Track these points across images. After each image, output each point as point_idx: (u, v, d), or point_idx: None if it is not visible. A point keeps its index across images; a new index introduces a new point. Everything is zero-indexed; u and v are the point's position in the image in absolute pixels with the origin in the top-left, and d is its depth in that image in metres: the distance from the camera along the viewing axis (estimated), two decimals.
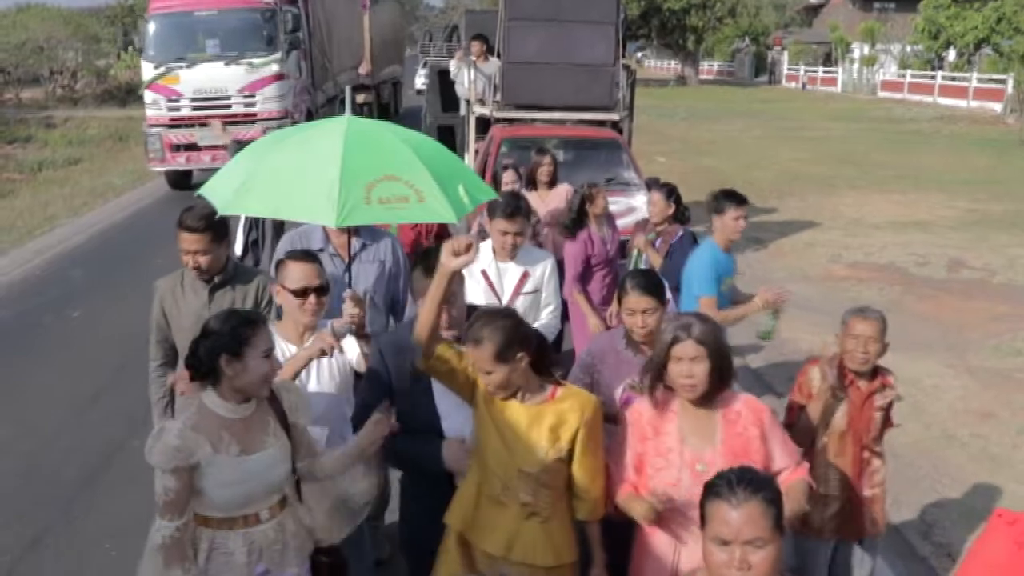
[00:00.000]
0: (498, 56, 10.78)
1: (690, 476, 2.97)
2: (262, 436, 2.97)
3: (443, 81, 13.85)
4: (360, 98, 21.59)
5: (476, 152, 10.40)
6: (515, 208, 4.55)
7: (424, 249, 3.61)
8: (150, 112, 15.50)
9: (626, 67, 10.95)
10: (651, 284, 3.66)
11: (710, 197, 5.27)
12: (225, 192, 3.37)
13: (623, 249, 6.66)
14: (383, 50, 24.60)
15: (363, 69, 22.37)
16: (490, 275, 4.65)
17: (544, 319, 4.80)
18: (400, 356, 3.33)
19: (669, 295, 4.58)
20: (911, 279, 10.71)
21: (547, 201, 6.91)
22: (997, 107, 32.29)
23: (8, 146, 23.26)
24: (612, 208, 6.79)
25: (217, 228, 3.97)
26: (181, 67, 15.23)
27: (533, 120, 10.31)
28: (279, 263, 3.65)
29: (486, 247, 4.67)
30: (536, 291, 4.72)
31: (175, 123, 15.41)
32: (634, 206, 8.48)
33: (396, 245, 4.60)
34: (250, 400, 2.95)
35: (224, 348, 2.84)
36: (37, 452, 6.14)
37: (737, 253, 11.07)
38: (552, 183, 7.06)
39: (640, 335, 3.62)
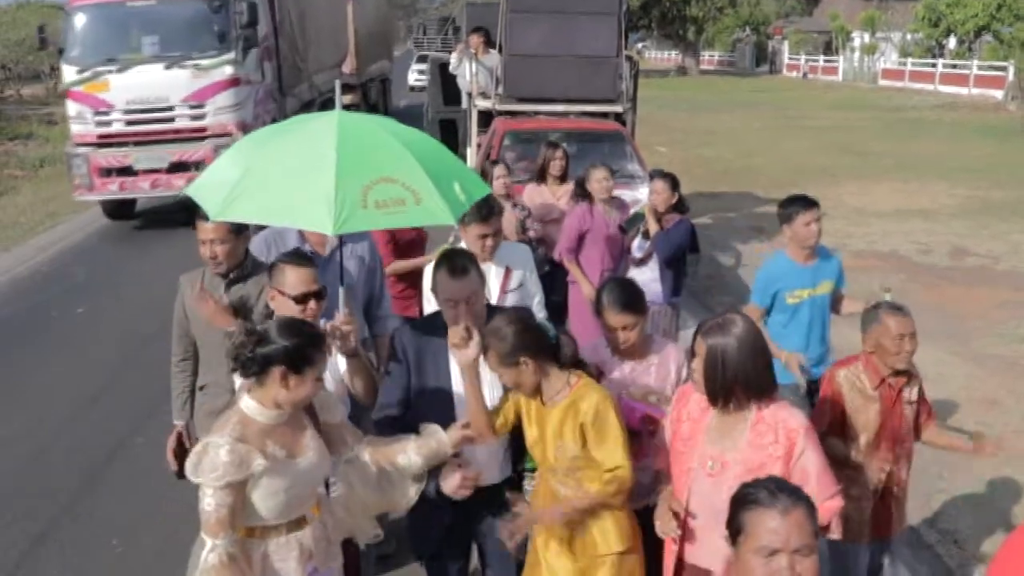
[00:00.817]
0: (499, 49, 10.73)
1: (702, 471, 2.95)
2: (302, 439, 2.91)
3: (444, 74, 13.82)
4: (346, 99, 18.90)
5: (479, 146, 10.39)
6: (489, 210, 4.47)
7: (447, 250, 3.57)
8: (75, 128, 12.63)
9: (629, 58, 10.89)
10: (629, 298, 3.55)
11: (778, 208, 4.96)
12: (215, 197, 3.23)
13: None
14: (370, 45, 22.02)
15: (347, 67, 19.79)
16: None
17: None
18: (420, 352, 3.37)
19: (650, 300, 4.53)
20: (914, 267, 10.72)
21: (558, 196, 6.88)
22: (998, 94, 32.23)
23: (9, 143, 23.28)
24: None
25: None
26: (111, 71, 12.31)
27: (536, 113, 10.24)
28: (272, 266, 3.57)
29: None
30: (521, 285, 4.68)
31: (104, 141, 12.52)
32: (639, 199, 8.41)
33: (371, 242, 4.58)
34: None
35: (285, 362, 2.76)
36: (41, 448, 6.17)
37: (739, 243, 11.18)
38: (564, 177, 7.01)
39: (622, 349, 3.57)
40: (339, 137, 3.15)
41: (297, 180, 3.11)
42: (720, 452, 2.92)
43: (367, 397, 3.49)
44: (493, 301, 4.44)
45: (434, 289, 3.42)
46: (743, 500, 2.23)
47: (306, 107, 15.83)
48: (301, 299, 3.42)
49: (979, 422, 6.36)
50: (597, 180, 6.26)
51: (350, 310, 3.37)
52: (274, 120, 12.63)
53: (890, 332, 3.65)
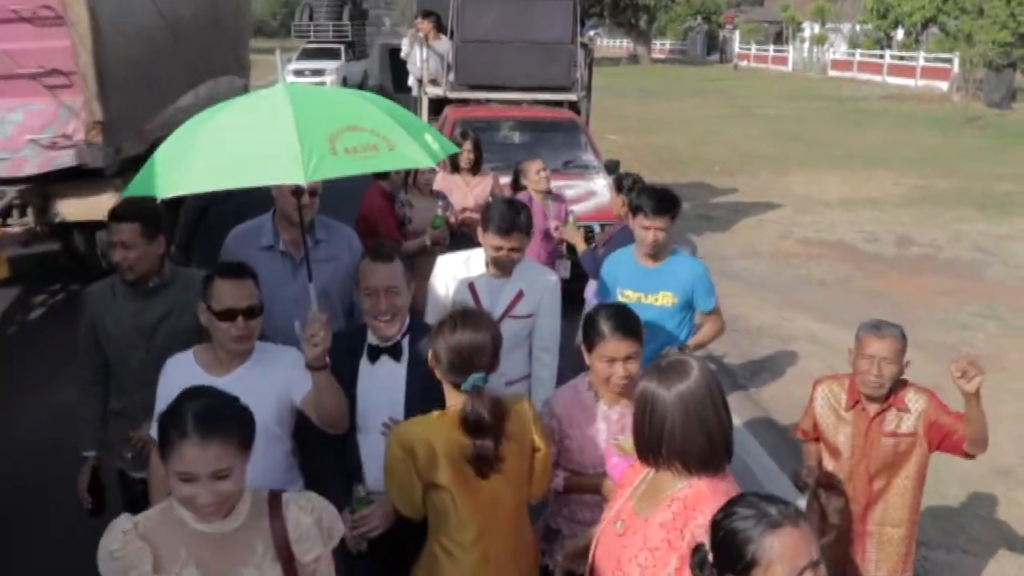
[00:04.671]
0: (451, 34, 10.58)
1: (611, 527, 2.51)
2: (238, 565, 2.23)
3: (394, 60, 13.66)
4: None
5: None
6: (511, 224, 3.75)
7: (375, 241, 3.40)
8: None
9: (584, 46, 10.70)
10: (631, 323, 3.07)
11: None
12: (164, 177, 2.88)
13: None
14: (173, 54, 9.15)
15: (71, 126, 6.89)
16: (479, 290, 3.91)
17: (540, 372, 3.95)
18: (348, 358, 3.19)
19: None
20: (860, 255, 10.89)
21: (472, 187, 6.60)
22: (944, 86, 32.77)
23: None
24: (570, 193, 6.72)
25: (148, 221, 3.44)
26: None
27: (488, 100, 10.11)
28: (207, 278, 3.12)
29: (478, 256, 3.96)
30: (530, 316, 3.90)
31: None
32: (594, 190, 8.35)
33: (355, 241, 4.01)
34: (232, 512, 2.24)
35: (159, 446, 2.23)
36: None
37: (689, 231, 11.26)
38: (475, 169, 6.71)
39: (619, 386, 3.04)
40: (293, 98, 2.92)
41: (254, 139, 2.86)
42: (633, 515, 2.43)
43: (336, 419, 3.02)
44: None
45: (357, 280, 3.25)
46: (746, 532, 1.91)
47: None
48: (223, 316, 2.99)
49: None
50: (536, 172, 6.16)
51: (322, 316, 2.85)
52: None
53: (862, 351, 3.32)
